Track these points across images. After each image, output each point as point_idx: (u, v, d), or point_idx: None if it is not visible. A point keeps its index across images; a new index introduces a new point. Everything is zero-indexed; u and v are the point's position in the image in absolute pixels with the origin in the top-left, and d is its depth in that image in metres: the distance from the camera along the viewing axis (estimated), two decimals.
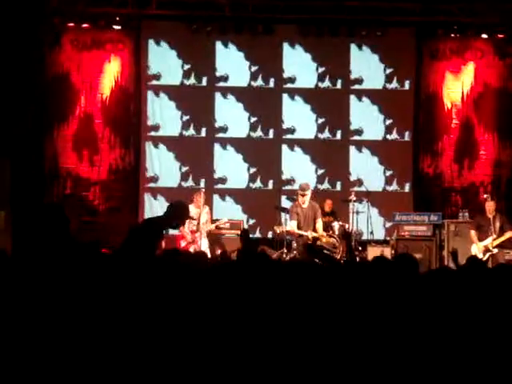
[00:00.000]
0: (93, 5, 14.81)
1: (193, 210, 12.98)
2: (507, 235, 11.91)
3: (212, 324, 4.05)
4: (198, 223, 12.97)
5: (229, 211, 14.86)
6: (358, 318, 4.17)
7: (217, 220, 13.77)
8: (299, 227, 12.28)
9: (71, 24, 15.00)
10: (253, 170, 15.42)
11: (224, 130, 15.45)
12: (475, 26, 15.06)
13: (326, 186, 15.38)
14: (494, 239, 11.94)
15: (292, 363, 3.81)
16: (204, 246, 12.95)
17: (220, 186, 15.38)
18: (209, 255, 12.46)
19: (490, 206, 12.26)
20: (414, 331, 4.07)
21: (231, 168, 15.43)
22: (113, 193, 15.30)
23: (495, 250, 11.92)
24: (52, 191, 15.11)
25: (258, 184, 15.42)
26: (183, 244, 13.00)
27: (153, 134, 15.42)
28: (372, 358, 3.87)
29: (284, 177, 15.33)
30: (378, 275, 4.79)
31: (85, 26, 15.04)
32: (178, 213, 7.22)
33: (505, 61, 15.29)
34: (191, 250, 12.42)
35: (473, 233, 12.24)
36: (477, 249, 12.00)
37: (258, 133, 15.46)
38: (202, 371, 3.77)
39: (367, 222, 14.12)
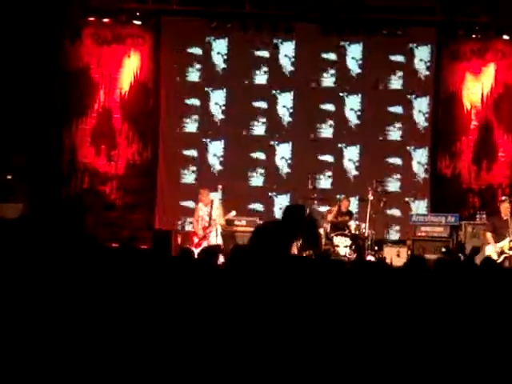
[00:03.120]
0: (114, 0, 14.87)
1: (202, 206, 13.16)
2: None
3: (217, 321, 4.04)
4: (210, 219, 12.96)
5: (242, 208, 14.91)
6: (366, 317, 4.15)
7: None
8: None
9: (92, 18, 15.05)
10: (268, 168, 15.39)
11: (239, 127, 15.43)
12: (496, 27, 14.97)
13: (342, 185, 15.31)
14: (511, 241, 11.84)
15: (296, 364, 3.80)
16: (218, 242, 12.84)
17: (234, 182, 15.34)
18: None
19: (505, 208, 12.17)
20: (425, 331, 4.06)
21: (245, 165, 15.43)
22: (130, 188, 15.34)
23: (510, 252, 11.82)
24: (70, 185, 15.16)
25: (273, 182, 15.41)
26: (196, 240, 12.98)
27: (170, 129, 15.42)
28: (378, 359, 3.86)
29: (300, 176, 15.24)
30: (387, 276, 4.77)
31: (105, 20, 15.08)
32: (293, 217, 7.21)
33: None
34: (203, 245, 12.42)
35: (489, 235, 12.14)
36: (492, 250, 11.90)
37: (273, 130, 15.42)
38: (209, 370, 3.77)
39: (384, 221, 14.09)
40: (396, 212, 15.16)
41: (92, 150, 15.30)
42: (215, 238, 12.90)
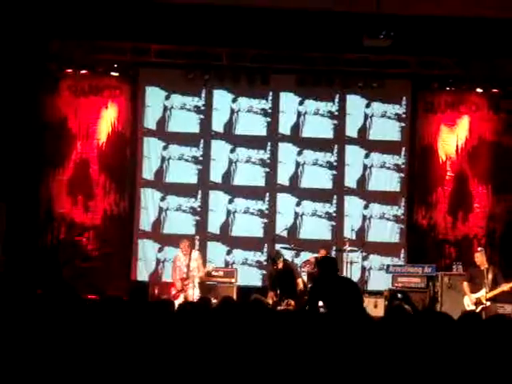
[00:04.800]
0: (91, 52, 14.94)
1: (181, 257, 13.00)
2: (500, 288, 11.84)
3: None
4: (188, 270, 12.77)
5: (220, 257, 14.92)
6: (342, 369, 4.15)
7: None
8: None
9: (69, 70, 15.12)
10: (248, 216, 15.43)
11: (219, 175, 15.48)
12: (470, 80, 15.23)
13: (320, 235, 15.36)
14: (487, 292, 11.88)
15: None
16: (195, 294, 12.73)
17: (213, 231, 15.35)
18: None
19: (477, 258, 12.23)
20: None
21: (225, 214, 15.43)
22: (107, 238, 15.26)
23: (488, 303, 11.84)
24: (47, 236, 15.06)
25: (252, 231, 15.42)
26: (173, 292, 12.84)
27: (147, 179, 15.44)
28: None
29: (279, 226, 15.31)
30: (368, 329, 4.78)
31: (83, 72, 15.15)
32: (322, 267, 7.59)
33: (499, 115, 15.44)
34: (181, 298, 12.42)
35: (465, 284, 12.18)
36: (469, 301, 11.93)
37: (254, 181, 15.49)
38: None
39: (361, 272, 14.11)
40: (375, 261, 15.24)
41: (69, 200, 15.25)
42: (193, 290, 12.72)
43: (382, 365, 4.18)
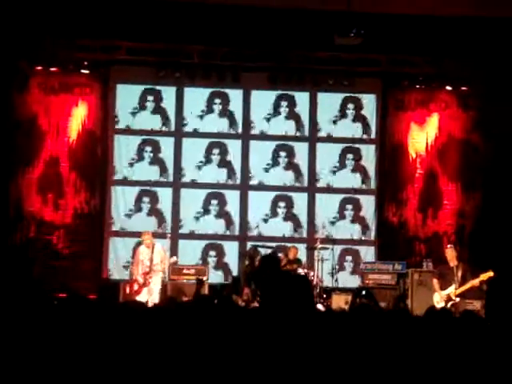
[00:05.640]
0: (61, 49, 14.84)
1: (144, 250, 12.75)
2: (469, 284, 11.91)
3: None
4: (151, 264, 12.52)
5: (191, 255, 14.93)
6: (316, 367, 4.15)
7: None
8: None
9: (39, 68, 15.01)
10: (219, 215, 15.44)
11: (190, 174, 15.46)
12: (439, 78, 15.33)
13: (291, 233, 15.41)
14: (457, 288, 11.96)
15: None
16: (157, 288, 12.53)
17: (185, 230, 15.35)
18: (157, 300, 12.20)
19: (448, 254, 12.30)
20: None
21: (196, 212, 15.42)
22: (77, 237, 15.17)
23: (457, 299, 11.92)
24: (16, 234, 14.94)
25: (223, 230, 15.43)
26: (136, 287, 12.52)
27: (119, 177, 15.38)
28: None
29: (250, 223, 15.36)
30: (337, 326, 4.79)
31: (53, 69, 15.05)
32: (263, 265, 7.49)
33: (468, 113, 15.55)
34: (144, 292, 12.26)
35: (435, 281, 12.24)
36: (439, 297, 12.01)
37: (224, 178, 15.51)
38: None
39: (332, 269, 14.16)
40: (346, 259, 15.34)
41: (39, 198, 15.14)
42: (156, 286, 12.55)
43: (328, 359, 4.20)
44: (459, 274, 12.09)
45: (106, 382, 3.91)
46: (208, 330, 4.44)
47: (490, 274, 11.75)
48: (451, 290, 11.97)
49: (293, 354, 4.10)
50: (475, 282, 11.87)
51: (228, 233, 15.44)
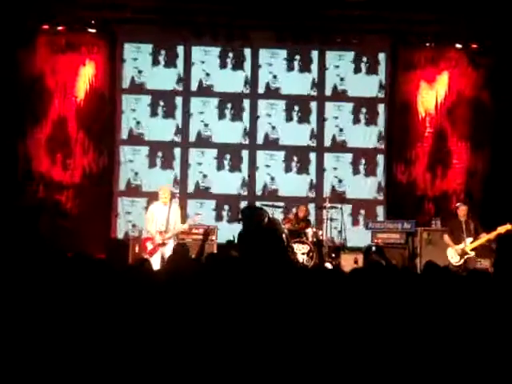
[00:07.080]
0: (68, 8, 14.73)
1: (160, 207, 11.67)
2: (483, 238, 11.84)
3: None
4: (167, 223, 11.51)
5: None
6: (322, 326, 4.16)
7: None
8: None
9: (46, 26, 14.91)
10: (230, 176, 15.43)
11: (201, 135, 15.43)
12: (449, 36, 15.17)
13: (301, 192, 15.39)
14: (472, 242, 11.88)
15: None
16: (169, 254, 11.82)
17: (192, 190, 15.37)
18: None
19: (462, 210, 12.21)
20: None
21: (207, 173, 15.42)
22: (86, 197, 15.19)
23: (472, 253, 11.86)
24: (25, 194, 14.96)
25: (236, 187, 15.43)
26: (150, 247, 11.49)
27: (127, 137, 15.36)
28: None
29: (260, 184, 15.36)
30: (350, 284, 4.80)
31: (60, 28, 14.95)
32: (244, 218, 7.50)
33: (478, 71, 15.39)
34: (159, 253, 11.39)
35: (446, 237, 12.16)
36: (453, 252, 11.94)
37: (235, 139, 15.46)
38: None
39: (341, 228, 14.16)
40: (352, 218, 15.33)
41: (47, 158, 15.14)
42: (169, 252, 11.10)
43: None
44: (471, 227, 12.02)
45: (109, 342, 3.92)
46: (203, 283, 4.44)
47: (508, 226, 11.62)
48: (466, 243, 11.88)
49: (269, 303, 4.10)
50: (492, 235, 11.79)
51: (242, 191, 15.43)
